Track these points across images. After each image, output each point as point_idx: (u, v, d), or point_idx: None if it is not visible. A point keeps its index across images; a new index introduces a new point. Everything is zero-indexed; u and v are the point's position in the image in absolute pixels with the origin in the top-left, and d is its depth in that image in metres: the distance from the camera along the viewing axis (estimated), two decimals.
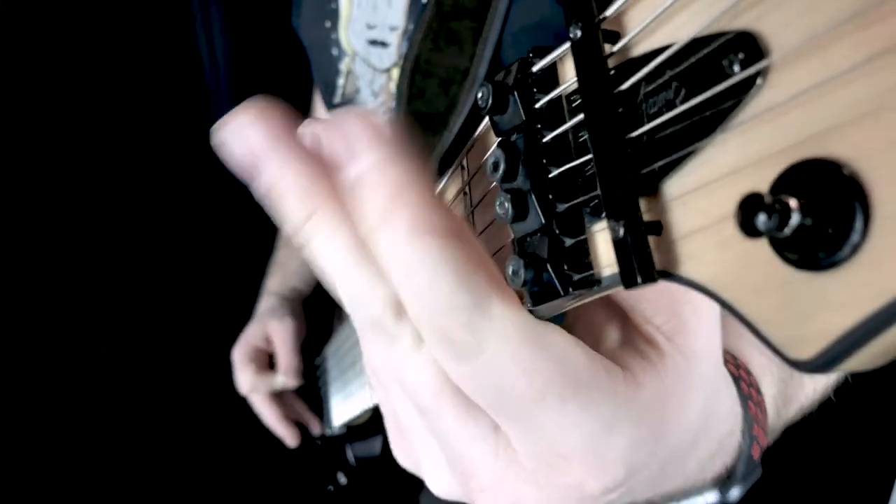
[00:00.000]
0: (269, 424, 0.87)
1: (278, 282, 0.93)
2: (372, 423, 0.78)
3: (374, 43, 0.69)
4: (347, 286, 0.24)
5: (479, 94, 0.23)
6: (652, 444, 0.25)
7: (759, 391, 0.32)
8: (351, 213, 0.22)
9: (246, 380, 0.85)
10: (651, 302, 0.26)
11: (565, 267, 0.21)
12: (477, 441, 0.25)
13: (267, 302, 0.91)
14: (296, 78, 0.97)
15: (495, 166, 0.23)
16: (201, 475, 1.02)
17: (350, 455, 0.81)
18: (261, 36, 1.12)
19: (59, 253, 1.09)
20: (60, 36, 1.05)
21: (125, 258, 1.15)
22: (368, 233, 0.22)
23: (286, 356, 0.84)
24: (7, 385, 1.02)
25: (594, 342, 0.25)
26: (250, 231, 1.20)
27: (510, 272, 0.22)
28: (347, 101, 0.75)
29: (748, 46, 0.16)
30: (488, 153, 0.26)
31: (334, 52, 0.73)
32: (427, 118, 0.68)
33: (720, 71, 0.17)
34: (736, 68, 0.17)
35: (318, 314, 0.87)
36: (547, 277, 0.21)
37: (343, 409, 0.75)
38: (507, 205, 0.22)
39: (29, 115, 1.04)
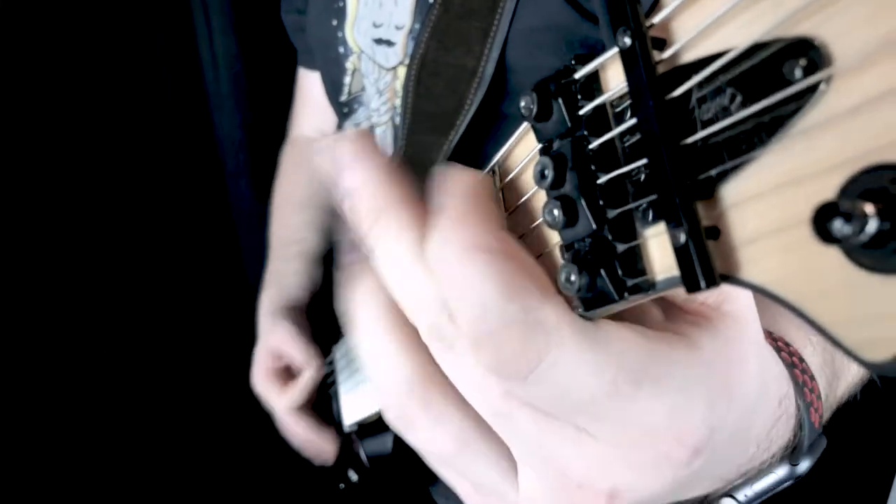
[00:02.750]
0: (309, 439, 0.84)
1: (269, 297, 0.91)
2: (382, 420, 0.78)
3: (379, 41, 0.69)
4: (406, 293, 0.24)
5: (523, 103, 0.23)
6: (725, 400, 0.25)
7: (801, 359, 0.33)
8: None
9: (277, 401, 0.83)
10: None
11: (619, 272, 0.21)
12: (558, 435, 0.25)
13: (262, 321, 0.89)
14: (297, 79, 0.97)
15: (542, 174, 0.23)
16: (211, 474, 1.02)
17: (362, 453, 0.81)
18: (262, 37, 1.11)
19: (60, 256, 1.08)
20: (59, 36, 1.04)
21: (122, 259, 1.14)
22: (429, 246, 0.23)
23: (297, 353, 0.83)
24: (17, 387, 1.02)
25: (640, 323, 0.26)
26: (251, 231, 1.19)
27: (563, 279, 0.22)
28: (353, 98, 0.75)
29: (809, 52, 0.17)
30: (525, 159, 0.26)
31: (340, 49, 0.73)
32: (434, 118, 0.67)
33: (780, 77, 0.17)
34: (798, 74, 0.17)
35: (325, 316, 0.87)
36: (601, 283, 0.21)
37: (354, 407, 0.75)
38: (556, 212, 0.22)
39: (25, 115, 1.03)
